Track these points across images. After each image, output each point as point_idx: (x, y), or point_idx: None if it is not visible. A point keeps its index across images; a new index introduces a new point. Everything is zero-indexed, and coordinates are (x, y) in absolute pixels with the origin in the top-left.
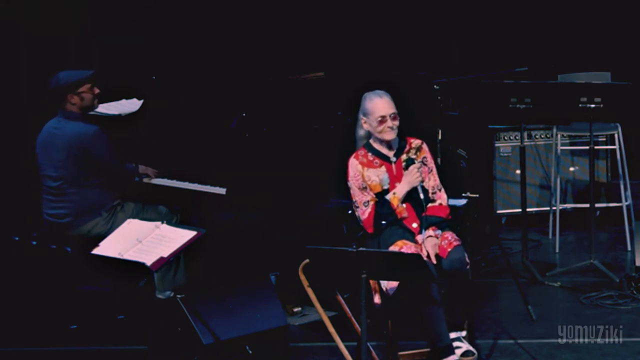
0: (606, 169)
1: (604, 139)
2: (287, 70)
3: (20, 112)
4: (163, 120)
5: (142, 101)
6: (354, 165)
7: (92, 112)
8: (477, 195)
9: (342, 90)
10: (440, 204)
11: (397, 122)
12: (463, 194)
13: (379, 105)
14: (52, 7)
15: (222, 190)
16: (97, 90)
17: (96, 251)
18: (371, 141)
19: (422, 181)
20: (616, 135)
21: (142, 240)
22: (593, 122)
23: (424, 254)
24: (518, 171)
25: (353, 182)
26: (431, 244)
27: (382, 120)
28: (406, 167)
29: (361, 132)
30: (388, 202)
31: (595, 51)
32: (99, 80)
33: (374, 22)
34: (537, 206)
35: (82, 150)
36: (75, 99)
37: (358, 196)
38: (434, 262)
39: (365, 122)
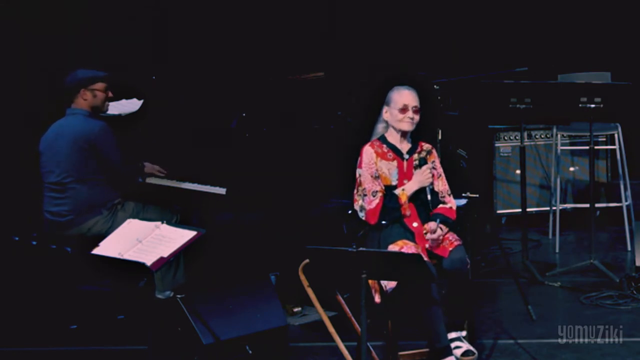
0: (606, 169)
1: (604, 139)
2: (287, 70)
3: (20, 112)
4: (163, 120)
5: (142, 101)
6: (369, 152)
7: None
8: (477, 195)
9: (342, 90)
10: (451, 207)
11: (417, 117)
12: (463, 194)
13: (404, 95)
14: (52, 7)
15: (222, 190)
16: (110, 94)
17: (96, 251)
18: (386, 135)
19: (432, 183)
20: (616, 135)
21: (142, 240)
22: (593, 122)
23: (429, 229)
24: (518, 171)
25: (366, 170)
26: (435, 235)
27: (404, 109)
28: (418, 167)
29: (380, 128)
30: (395, 197)
31: (595, 51)
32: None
33: (374, 22)
34: (537, 206)
35: (88, 144)
36: (87, 94)
37: (368, 184)
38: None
39: (386, 112)
